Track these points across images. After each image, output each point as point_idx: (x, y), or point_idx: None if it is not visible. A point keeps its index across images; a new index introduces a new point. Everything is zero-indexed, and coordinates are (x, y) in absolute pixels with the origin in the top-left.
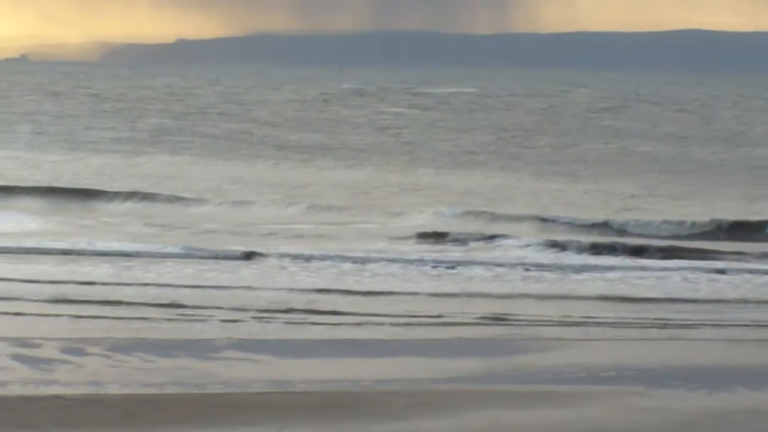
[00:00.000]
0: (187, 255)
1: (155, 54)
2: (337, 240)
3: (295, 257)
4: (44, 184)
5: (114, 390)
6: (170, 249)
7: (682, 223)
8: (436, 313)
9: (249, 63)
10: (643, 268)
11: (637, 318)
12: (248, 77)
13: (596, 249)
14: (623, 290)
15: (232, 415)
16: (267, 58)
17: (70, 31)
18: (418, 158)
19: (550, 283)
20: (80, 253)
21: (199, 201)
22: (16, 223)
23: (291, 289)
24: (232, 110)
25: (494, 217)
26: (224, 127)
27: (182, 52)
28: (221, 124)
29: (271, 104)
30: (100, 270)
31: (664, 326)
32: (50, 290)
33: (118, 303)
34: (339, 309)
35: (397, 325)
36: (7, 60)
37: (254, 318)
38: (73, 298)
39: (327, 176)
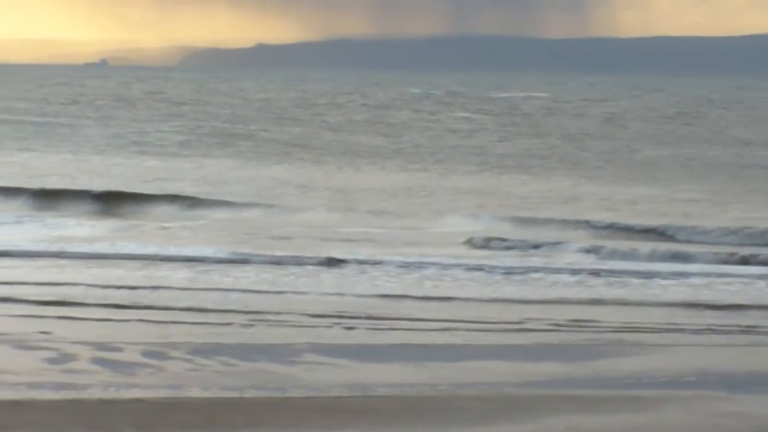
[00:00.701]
0: (269, 261)
1: (235, 58)
2: (407, 245)
3: (373, 263)
4: (114, 188)
5: (194, 393)
6: (246, 254)
7: (751, 229)
8: (516, 319)
9: (327, 68)
10: (725, 275)
11: (719, 324)
12: (324, 82)
13: (675, 256)
14: (706, 296)
15: (311, 419)
16: (345, 63)
17: (150, 35)
18: (479, 162)
19: (629, 289)
20: (154, 258)
21: (266, 206)
22: (88, 228)
23: (370, 295)
24: (302, 115)
25: (552, 223)
26: (292, 132)
27: (261, 56)
28: (289, 128)
29: (341, 108)
30: (178, 275)
31: (748, 332)
32: (129, 295)
33: (198, 308)
34: (417, 314)
35: (474, 330)
36: (87, 65)
37: (334, 323)
38: (152, 303)
39: (387, 180)
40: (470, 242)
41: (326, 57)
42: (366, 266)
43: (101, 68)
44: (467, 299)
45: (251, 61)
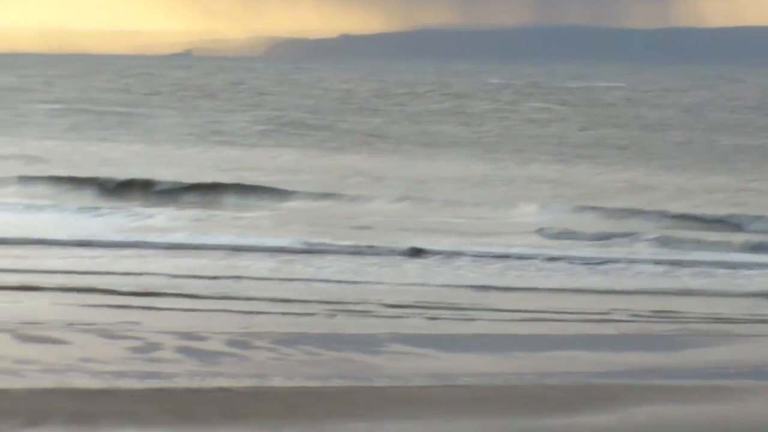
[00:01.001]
0: (351, 251)
1: (318, 49)
2: (484, 235)
3: (453, 253)
4: (192, 179)
5: (278, 383)
6: (326, 244)
7: None
8: (599, 310)
9: (411, 58)
10: None
11: None
12: (406, 72)
13: (757, 247)
14: None
15: (396, 408)
16: (429, 54)
17: (234, 26)
18: (556, 152)
19: (712, 279)
20: (235, 248)
21: (343, 196)
22: (167, 218)
23: (453, 285)
24: (381, 105)
25: (625, 213)
26: (370, 122)
27: (345, 47)
28: (368, 118)
29: (421, 98)
30: (260, 265)
31: None
32: (212, 285)
33: (281, 298)
34: (500, 305)
35: (558, 320)
36: (172, 55)
37: (418, 313)
38: (235, 293)
39: (464, 169)
40: (542, 232)
41: (409, 47)
42: (447, 256)
43: (186, 59)
44: (550, 290)
45: (335, 52)
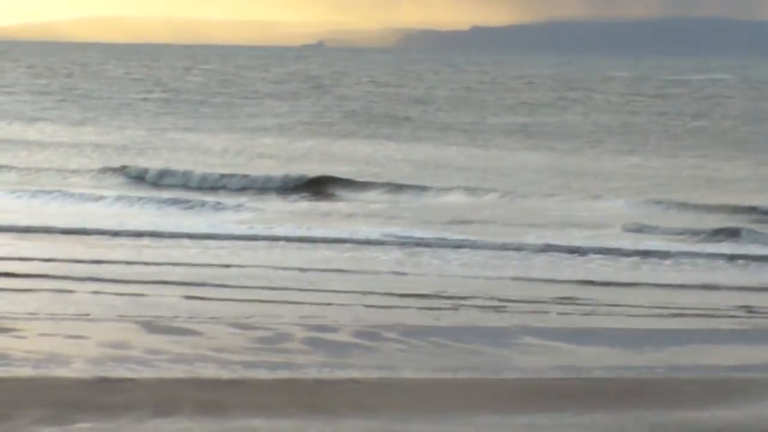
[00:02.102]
0: (476, 245)
1: (450, 41)
2: (584, 228)
3: (577, 248)
4: (305, 172)
5: (408, 374)
6: (453, 237)
7: None
8: (733, 305)
9: (543, 51)
10: None
11: None
12: (528, 64)
13: None
14: None
15: (526, 401)
16: (561, 46)
17: (366, 17)
18: (653, 144)
19: None
20: (358, 240)
21: (447, 190)
22: (283, 212)
23: (582, 281)
24: (486, 97)
25: (715, 208)
26: (472, 115)
27: (477, 39)
28: (471, 111)
29: (536, 90)
30: (386, 257)
31: None
32: (339, 277)
33: (409, 291)
34: (631, 300)
35: (691, 315)
36: (304, 46)
37: (549, 306)
38: (361, 285)
39: (558, 162)
40: (659, 230)
41: (542, 40)
42: (571, 251)
43: (318, 50)
44: (679, 286)
45: (467, 44)
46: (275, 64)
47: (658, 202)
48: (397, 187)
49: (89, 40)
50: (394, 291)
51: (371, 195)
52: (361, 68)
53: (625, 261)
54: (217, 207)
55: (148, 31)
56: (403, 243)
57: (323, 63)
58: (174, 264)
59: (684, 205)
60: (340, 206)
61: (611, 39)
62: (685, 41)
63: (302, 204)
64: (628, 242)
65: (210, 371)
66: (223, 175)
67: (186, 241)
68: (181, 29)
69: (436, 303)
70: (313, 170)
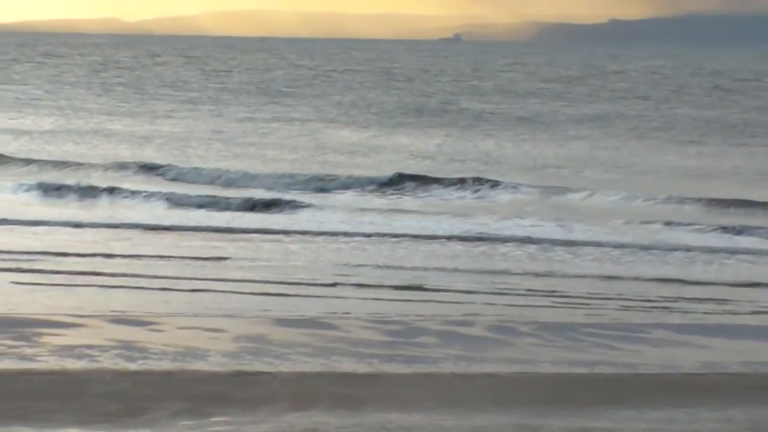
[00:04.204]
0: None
1: (587, 34)
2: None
3: (706, 248)
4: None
5: (544, 369)
6: (584, 236)
7: None
8: None
9: (680, 44)
10: None
11: None
12: (662, 57)
13: None
14: None
15: (663, 395)
16: (700, 40)
17: (503, 11)
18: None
19: None
20: (487, 238)
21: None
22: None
23: (718, 282)
24: (617, 90)
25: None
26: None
27: (614, 32)
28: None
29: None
30: (516, 253)
31: None
32: (473, 277)
33: (541, 289)
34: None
35: None
36: (440, 40)
37: (685, 303)
38: (495, 282)
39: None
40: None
41: (679, 33)
42: (703, 251)
43: (455, 44)
44: None
45: (604, 37)
46: (410, 56)
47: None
48: (546, 188)
49: (221, 34)
50: (526, 287)
51: (464, 191)
52: (552, 66)
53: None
54: (338, 205)
55: (281, 25)
56: (534, 240)
57: (474, 57)
58: (311, 262)
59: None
60: (469, 201)
61: (751, 32)
62: None
63: (413, 200)
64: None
65: (346, 365)
66: (328, 175)
67: (318, 239)
68: (315, 23)
69: (570, 300)
70: (460, 168)
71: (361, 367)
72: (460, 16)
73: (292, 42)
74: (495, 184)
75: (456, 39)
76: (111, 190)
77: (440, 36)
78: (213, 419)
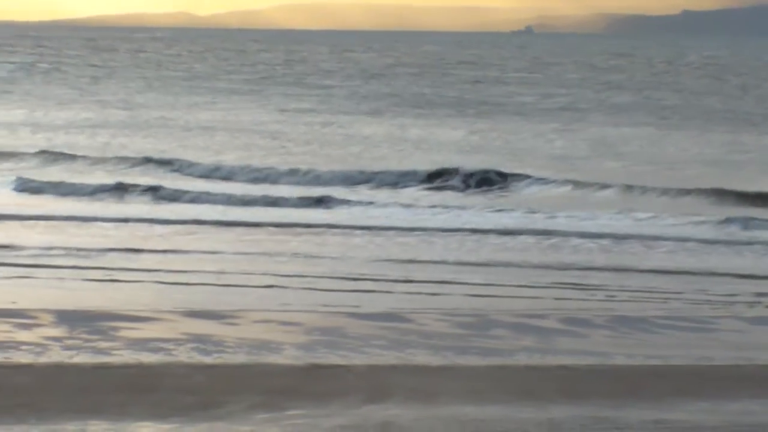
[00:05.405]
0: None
1: (660, 26)
2: None
3: None
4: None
5: (619, 361)
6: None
7: None
8: None
9: (755, 36)
10: None
11: None
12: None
13: None
14: None
15: (739, 387)
16: None
17: (575, 3)
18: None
19: None
20: (560, 232)
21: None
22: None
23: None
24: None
25: None
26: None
27: (687, 23)
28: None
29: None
30: (591, 245)
31: None
32: (548, 274)
33: (614, 286)
34: None
35: None
36: (512, 33)
37: (761, 297)
38: (567, 276)
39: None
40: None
41: (753, 24)
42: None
43: (527, 36)
44: None
45: (676, 29)
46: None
47: None
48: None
49: (290, 27)
50: (598, 280)
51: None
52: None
53: None
54: (401, 199)
55: (348, 18)
56: (610, 234)
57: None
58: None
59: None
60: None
61: None
62: None
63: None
64: None
65: (420, 358)
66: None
67: (387, 233)
68: (383, 15)
69: (642, 295)
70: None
71: (436, 360)
72: (532, 8)
73: (360, 35)
74: (563, 181)
75: (528, 31)
76: (171, 190)
77: (512, 28)
78: (288, 412)
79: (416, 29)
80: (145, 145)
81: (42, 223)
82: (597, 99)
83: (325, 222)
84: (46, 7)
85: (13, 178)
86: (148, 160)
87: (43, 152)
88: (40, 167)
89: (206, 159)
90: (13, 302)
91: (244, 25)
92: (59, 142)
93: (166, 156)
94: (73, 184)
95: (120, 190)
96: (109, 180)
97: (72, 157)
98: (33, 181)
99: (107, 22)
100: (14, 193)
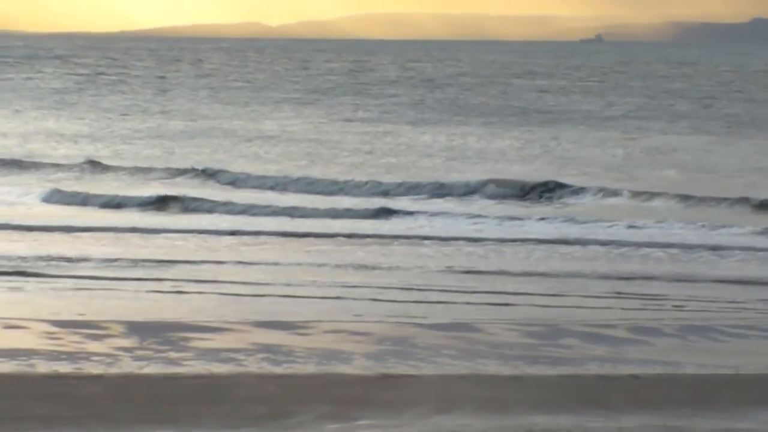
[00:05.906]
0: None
1: (729, 33)
2: None
3: None
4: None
5: (689, 370)
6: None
7: None
8: None
9: None
10: None
11: None
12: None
13: None
14: None
15: None
16: None
17: (644, 11)
18: None
19: None
20: (631, 243)
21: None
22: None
23: None
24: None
25: None
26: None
27: (757, 31)
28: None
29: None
30: (660, 255)
31: None
32: (611, 285)
33: (682, 292)
34: None
35: None
36: (582, 41)
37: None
38: (632, 286)
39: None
40: None
41: None
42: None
43: (596, 44)
44: None
45: (746, 36)
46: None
47: None
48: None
49: (360, 37)
50: (665, 289)
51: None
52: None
53: None
54: (465, 210)
55: (421, 28)
56: (676, 243)
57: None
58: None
59: None
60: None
61: None
62: None
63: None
64: None
65: (491, 367)
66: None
67: (455, 243)
68: (458, 25)
69: (711, 305)
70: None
71: (506, 369)
72: (602, 16)
73: (431, 44)
74: (622, 190)
75: (598, 40)
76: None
77: (582, 37)
78: (358, 422)
79: (490, 38)
80: (204, 156)
81: (106, 234)
82: (659, 107)
83: (389, 232)
84: (115, 18)
85: (71, 190)
86: (207, 171)
87: (94, 163)
88: (90, 178)
89: (268, 170)
90: (81, 314)
91: (314, 35)
92: (116, 151)
93: (226, 167)
94: (131, 197)
95: (178, 201)
96: (169, 191)
97: (139, 169)
98: (78, 193)
99: (177, 33)
100: (70, 207)
